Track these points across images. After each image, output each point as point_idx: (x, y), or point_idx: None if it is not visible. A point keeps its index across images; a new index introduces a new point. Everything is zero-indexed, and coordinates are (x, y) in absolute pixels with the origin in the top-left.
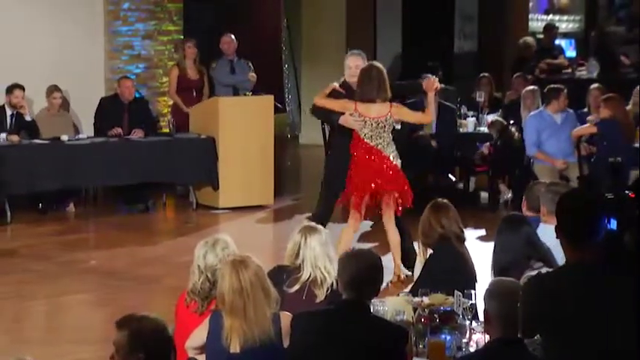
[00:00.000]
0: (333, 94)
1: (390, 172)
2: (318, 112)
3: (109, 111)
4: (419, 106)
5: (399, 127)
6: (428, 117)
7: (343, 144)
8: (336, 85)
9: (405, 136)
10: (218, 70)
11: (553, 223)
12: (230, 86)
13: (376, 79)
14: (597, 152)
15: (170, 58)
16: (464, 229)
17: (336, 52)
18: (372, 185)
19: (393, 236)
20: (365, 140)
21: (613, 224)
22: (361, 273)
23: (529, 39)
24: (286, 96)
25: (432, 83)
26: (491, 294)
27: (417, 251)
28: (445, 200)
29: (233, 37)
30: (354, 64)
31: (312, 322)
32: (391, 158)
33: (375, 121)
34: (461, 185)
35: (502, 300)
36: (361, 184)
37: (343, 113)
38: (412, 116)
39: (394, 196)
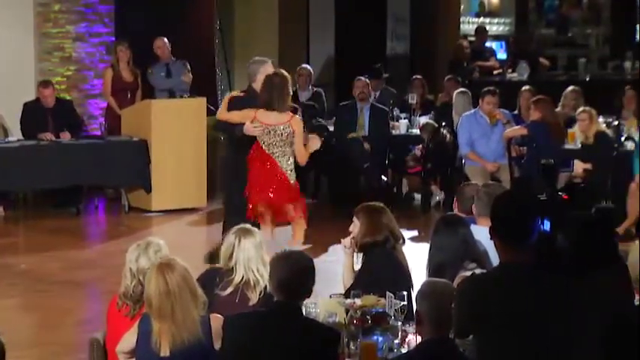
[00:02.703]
0: (233, 102)
1: (282, 183)
2: (220, 125)
3: (32, 115)
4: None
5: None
6: (302, 157)
7: (242, 157)
8: (234, 93)
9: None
10: (154, 76)
11: (486, 224)
12: (166, 90)
13: (278, 88)
14: (528, 154)
15: (101, 60)
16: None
17: (269, 54)
18: (270, 195)
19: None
20: (263, 148)
21: (546, 225)
22: (292, 275)
23: (463, 42)
24: (219, 98)
25: (315, 143)
26: (423, 295)
27: (346, 254)
28: (380, 203)
29: (166, 40)
30: (266, 70)
31: (244, 324)
32: (284, 170)
33: (272, 128)
34: (393, 187)
35: (433, 300)
36: (258, 194)
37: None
38: (298, 143)
39: (290, 208)
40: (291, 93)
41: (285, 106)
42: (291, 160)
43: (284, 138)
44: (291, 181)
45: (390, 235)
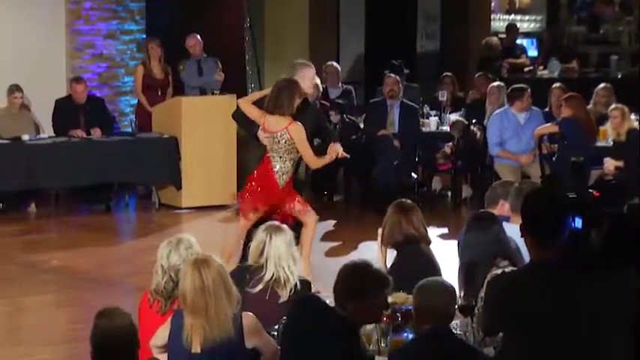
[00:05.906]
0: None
1: (269, 188)
2: (241, 119)
3: (64, 112)
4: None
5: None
6: (314, 163)
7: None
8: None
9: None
10: (186, 72)
11: (519, 221)
12: (197, 88)
13: (279, 92)
14: (559, 151)
15: (132, 58)
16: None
17: (300, 52)
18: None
19: None
20: (268, 154)
21: (578, 223)
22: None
23: (494, 39)
24: None
25: (334, 151)
26: (416, 290)
27: (379, 251)
28: (409, 201)
29: (198, 37)
30: (304, 74)
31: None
32: (274, 172)
33: (273, 135)
34: (424, 184)
35: (426, 294)
36: (252, 197)
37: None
38: (303, 148)
39: (288, 207)
40: (298, 98)
41: (281, 110)
42: (288, 164)
43: (282, 145)
44: (279, 186)
45: (422, 233)
